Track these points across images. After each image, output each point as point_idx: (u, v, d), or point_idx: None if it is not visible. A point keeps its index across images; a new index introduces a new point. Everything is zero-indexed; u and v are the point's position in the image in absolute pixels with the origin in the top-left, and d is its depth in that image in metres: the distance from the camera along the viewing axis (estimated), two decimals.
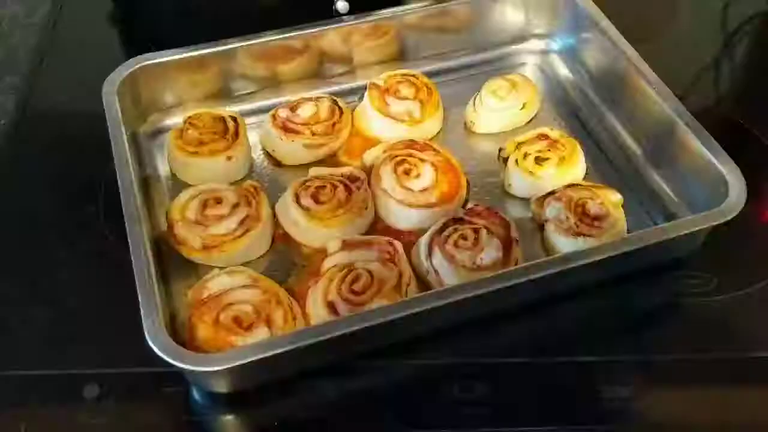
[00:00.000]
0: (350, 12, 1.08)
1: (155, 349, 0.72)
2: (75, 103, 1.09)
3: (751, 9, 1.30)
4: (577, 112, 1.09)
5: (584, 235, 0.88)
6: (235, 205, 0.89)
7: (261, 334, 0.78)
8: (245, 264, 0.89)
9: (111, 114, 0.93)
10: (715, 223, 0.84)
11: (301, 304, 0.85)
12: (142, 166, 0.98)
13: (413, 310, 0.75)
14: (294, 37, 1.05)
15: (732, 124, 1.11)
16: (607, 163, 1.03)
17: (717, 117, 1.11)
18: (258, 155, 1.03)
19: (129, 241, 0.80)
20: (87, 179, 0.99)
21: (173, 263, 0.90)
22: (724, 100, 1.17)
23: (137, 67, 0.98)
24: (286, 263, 0.90)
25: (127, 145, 0.90)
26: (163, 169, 1.00)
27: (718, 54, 1.23)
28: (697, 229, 0.84)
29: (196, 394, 0.79)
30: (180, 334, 0.81)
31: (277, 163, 1.01)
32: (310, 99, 1.02)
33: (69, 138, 1.06)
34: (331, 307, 0.82)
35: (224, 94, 1.06)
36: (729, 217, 0.83)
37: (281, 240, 0.92)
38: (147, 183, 0.98)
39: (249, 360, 0.71)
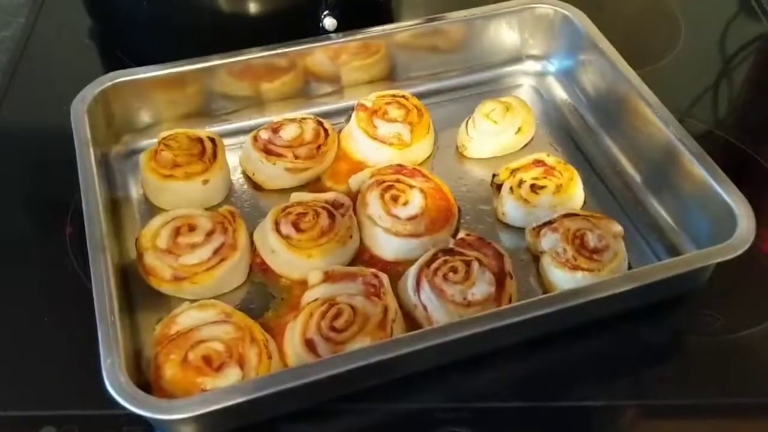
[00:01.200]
0: (338, 29, 1.02)
1: (114, 393, 0.66)
2: (47, 121, 1.04)
3: (751, 31, 1.26)
4: (574, 136, 1.04)
5: (582, 269, 0.82)
6: (210, 233, 0.83)
7: (232, 375, 0.72)
8: (219, 296, 0.83)
9: (79, 134, 0.87)
10: (723, 259, 0.78)
11: (279, 341, 0.79)
12: (113, 189, 0.93)
13: (396, 353, 0.69)
14: (279, 54, 1.00)
15: (732, 148, 1.06)
16: (605, 191, 0.97)
17: (717, 141, 1.07)
18: (237, 178, 0.97)
19: (92, 273, 0.74)
20: (57, 201, 0.93)
21: (142, 293, 0.83)
22: (724, 123, 1.12)
23: (110, 84, 0.93)
24: (264, 296, 0.84)
25: (95, 168, 0.84)
26: (135, 192, 0.95)
27: (718, 77, 1.18)
28: (704, 265, 0.78)
29: None
30: (146, 372, 0.75)
31: (257, 187, 0.96)
32: (294, 120, 0.97)
33: (40, 157, 1.00)
34: (310, 345, 0.76)
35: (203, 114, 1.00)
36: (738, 252, 0.78)
37: (259, 269, 0.86)
38: (118, 206, 0.92)
39: (215, 407, 0.65)
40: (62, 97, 0.95)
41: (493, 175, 0.96)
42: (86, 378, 0.71)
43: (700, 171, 0.87)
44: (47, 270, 0.87)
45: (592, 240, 0.84)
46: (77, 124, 0.88)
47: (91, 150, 0.86)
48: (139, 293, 0.83)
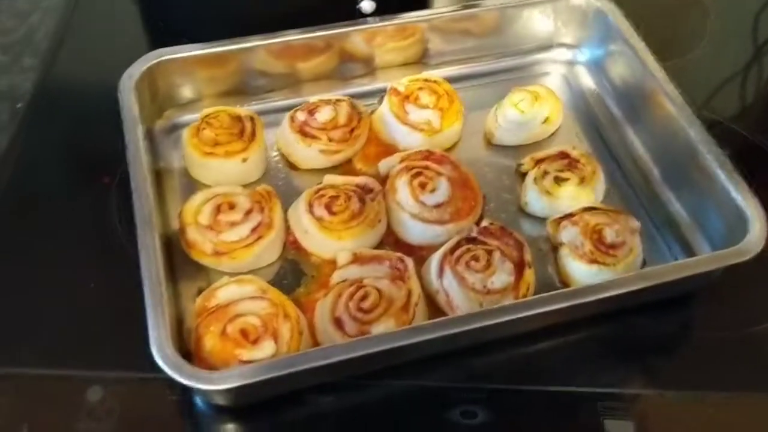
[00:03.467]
0: (375, 13, 1.05)
1: (161, 363, 0.72)
2: (93, 88, 1.09)
3: None
4: (599, 127, 1.07)
5: (599, 263, 0.87)
6: (248, 212, 0.88)
7: (267, 348, 0.77)
8: (254, 271, 0.89)
9: (127, 110, 0.92)
10: (733, 262, 0.82)
11: (309, 317, 0.84)
12: (156, 161, 0.97)
13: (418, 339, 0.74)
14: (316, 37, 1.03)
15: (751, 145, 1.08)
16: (625, 183, 1.01)
17: (736, 137, 1.08)
18: (273, 155, 1.01)
19: (139, 248, 0.80)
20: (102, 168, 0.98)
21: (183, 262, 0.89)
22: (746, 119, 1.13)
23: (155, 62, 0.97)
24: (296, 272, 0.90)
25: (142, 144, 0.89)
26: (177, 164, 0.99)
27: (744, 70, 1.20)
28: (714, 268, 0.82)
29: (199, 403, 0.79)
30: (186, 340, 0.81)
31: (292, 166, 1.00)
32: (328, 102, 1.00)
33: (85, 124, 1.04)
34: (339, 323, 0.81)
35: (242, 92, 1.04)
36: (749, 256, 0.82)
37: (292, 247, 0.91)
38: (160, 177, 0.97)
39: (251, 381, 0.71)
40: (106, 64, 1.00)
41: (518, 164, 1.00)
42: (132, 343, 0.77)
43: (718, 172, 0.90)
44: (93, 235, 0.93)
45: (609, 235, 0.88)
46: (125, 100, 0.92)
47: (139, 126, 0.90)
48: (180, 262, 0.89)
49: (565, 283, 0.90)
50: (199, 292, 0.86)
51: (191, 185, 0.97)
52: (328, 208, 0.89)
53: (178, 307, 0.85)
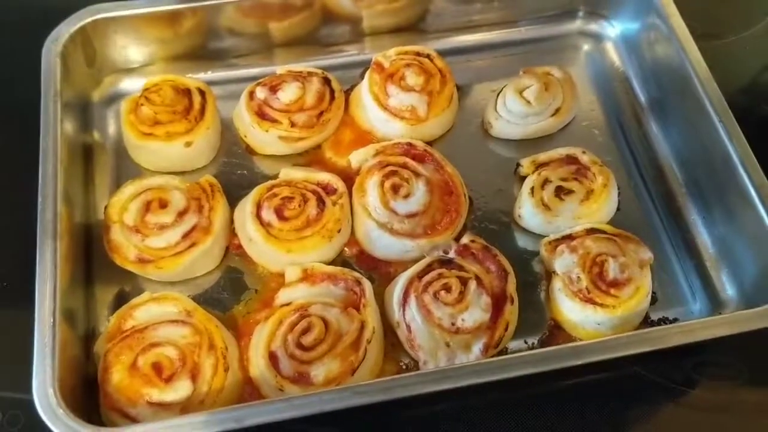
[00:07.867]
0: None
1: (41, 413, 0.60)
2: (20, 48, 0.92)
3: None
4: (620, 117, 0.90)
5: (595, 303, 0.72)
6: (183, 212, 0.75)
7: (182, 388, 0.66)
8: (189, 280, 0.76)
9: (48, 85, 0.77)
10: (759, 327, 0.66)
11: (245, 343, 0.72)
12: (89, 135, 0.84)
13: (350, 403, 0.61)
14: None
15: None
16: (644, 193, 0.85)
17: None
18: (233, 135, 0.86)
19: (36, 265, 0.67)
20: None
21: (108, 258, 0.76)
22: None
23: (90, 20, 0.81)
24: (237, 285, 0.77)
25: (59, 126, 0.74)
26: (118, 140, 0.85)
27: None
28: (733, 332, 0.67)
29: None
30: (95, 360, 0.69)
31: (250, 150, 0.86)
32: (297, 76, 0.85)
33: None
34: (273, 359, 0.69)
35: (202, 56, 0.89)
36: None
37: (236, 251, 0.78)
38: (93, 154, 0.84)
39: None
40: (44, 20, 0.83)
41: (517, 165, 0.84)
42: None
43: (757, 203, 0.74)
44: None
45: (612, 270, 0.73)
46: (48, 71, 0.77)
47: (59, 107, 0.75)
48: (104, 258, 0.76)
49: (554, 319, 0.76)
50: (120, 296, 0.75)
51: (129, 167, 0.83)
52: (278, 212, 0.75)
53: (89, 318, 0.74)
